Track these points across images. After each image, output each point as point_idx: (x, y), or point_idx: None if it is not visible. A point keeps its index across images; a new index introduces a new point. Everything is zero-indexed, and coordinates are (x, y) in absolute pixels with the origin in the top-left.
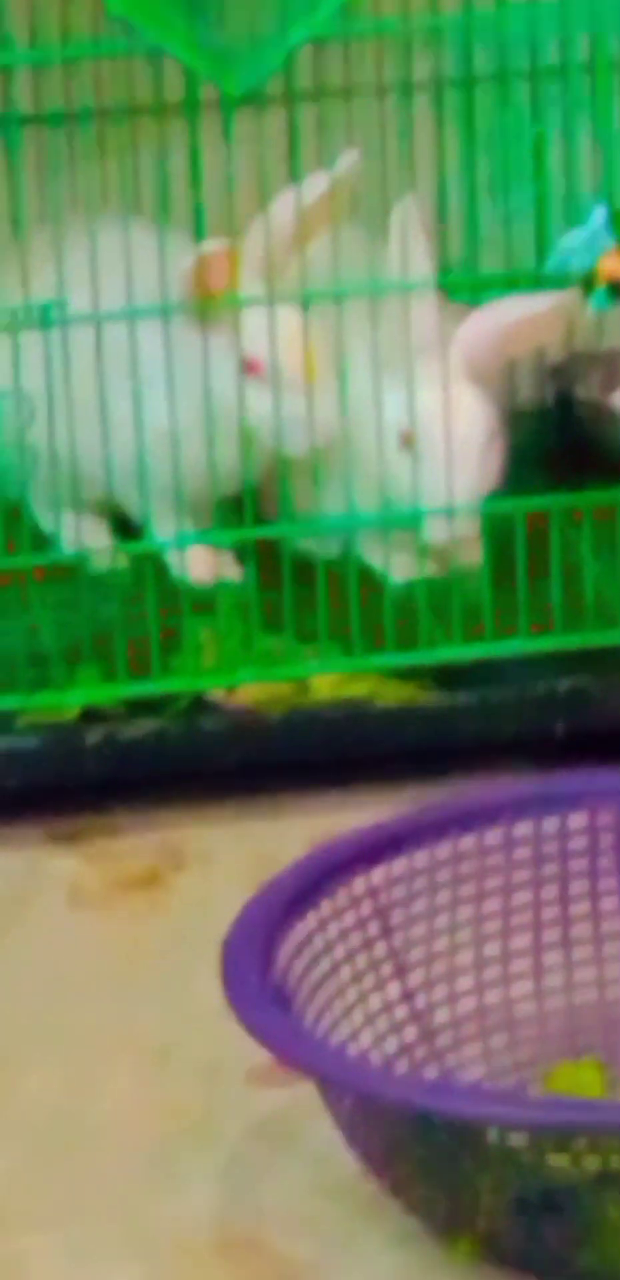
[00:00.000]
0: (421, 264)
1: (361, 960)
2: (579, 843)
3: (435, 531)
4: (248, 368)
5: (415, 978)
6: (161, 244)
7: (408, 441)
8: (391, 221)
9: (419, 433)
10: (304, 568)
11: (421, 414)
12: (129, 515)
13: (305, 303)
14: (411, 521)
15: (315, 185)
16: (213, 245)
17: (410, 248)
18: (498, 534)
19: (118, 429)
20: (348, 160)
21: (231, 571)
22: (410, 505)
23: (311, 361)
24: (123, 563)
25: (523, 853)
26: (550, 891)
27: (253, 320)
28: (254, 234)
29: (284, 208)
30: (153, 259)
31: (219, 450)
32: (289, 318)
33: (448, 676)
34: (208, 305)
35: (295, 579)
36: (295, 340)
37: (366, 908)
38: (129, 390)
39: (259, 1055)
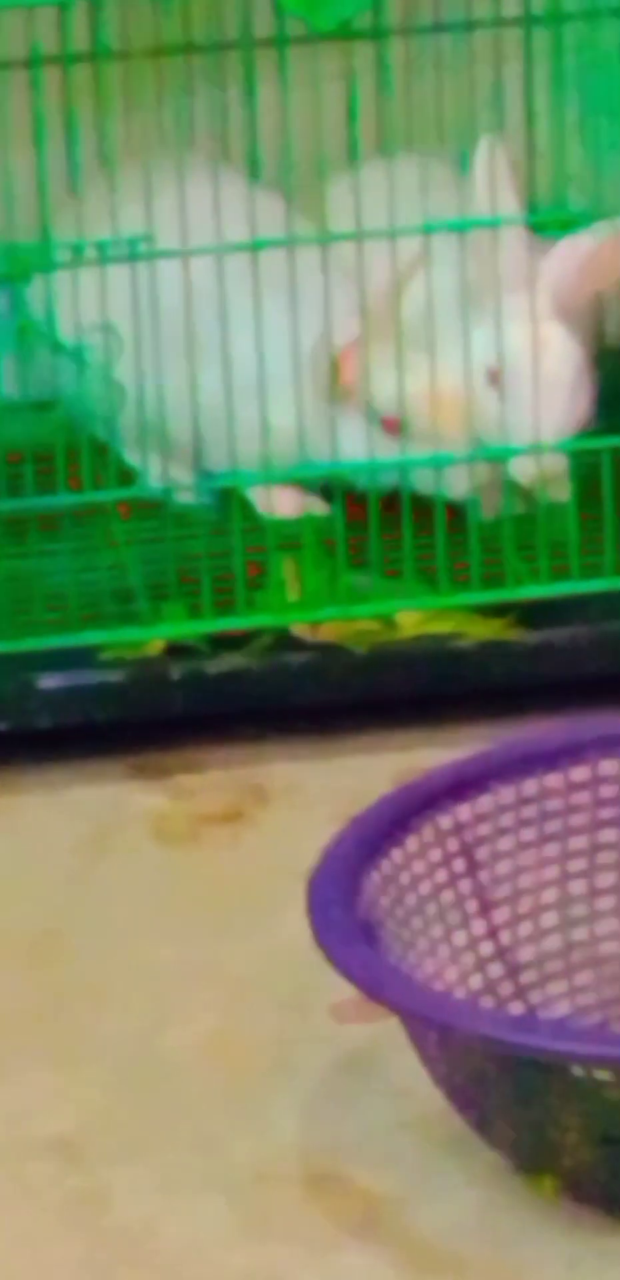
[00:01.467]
0: (508, 200)
1: (447, 897)
2: None
3: (523, 469)
4: (385, 426)
5: (500, 914)
6: (250, 191)
7: (495, 379)
8: (477, 157)
9: (507, 370)
10: (390, 503)
11: (509, 351)
12: (213, 465)
13: (393, 236)
14: (499, 457)
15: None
16: (345, 342)
17: (497, 184)
18: (584, 472)
19: (205, 369)
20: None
21: (317, 507)
22: (498, 443)
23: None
24: (207, 499)
25: (609, 790)
26: None
27: (384, 381)
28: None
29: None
30: (241, 203)
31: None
32: (420, 370)
33: (533, 614)
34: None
35: (381, 515)
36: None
37: (452, 844)
38: (216, 331)
39: (344, 990)
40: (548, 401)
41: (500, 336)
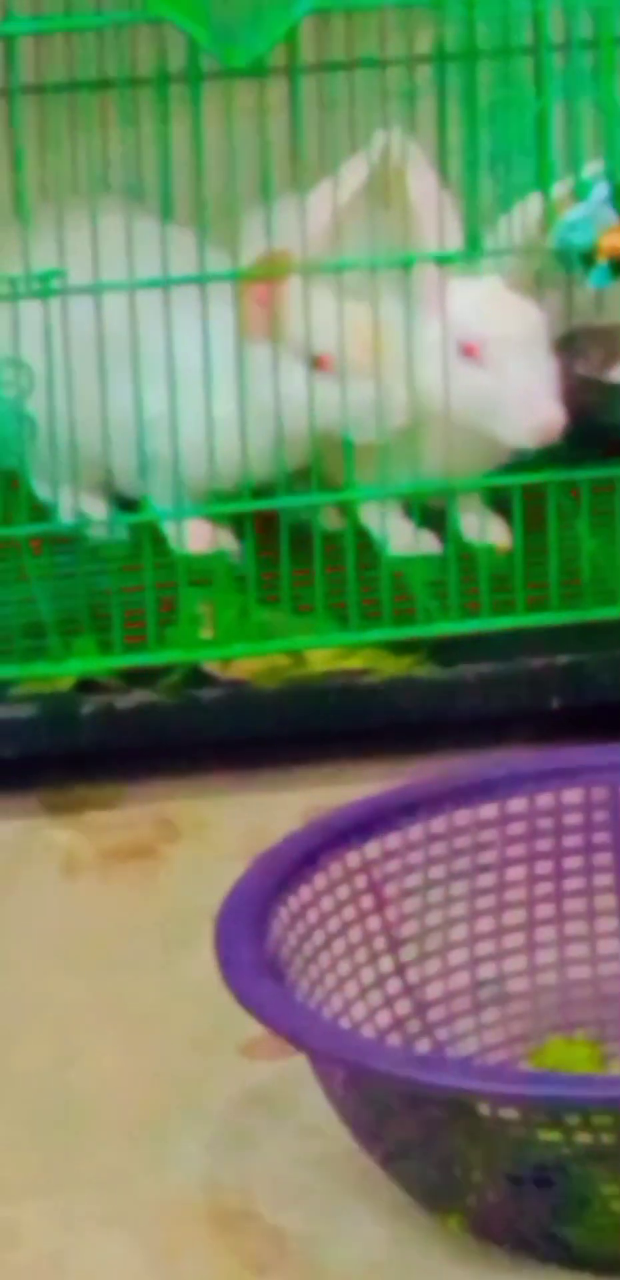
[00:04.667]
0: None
1: (355, 934)
2: (573, 818)
3: (522, 427)
4: (318, 364)
5: (409, 952)
6: (162, 224)
7: (472, 352)
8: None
9: (487, 340)
10: (301, 540)
11: (485, 321)
12: (126, 491)
13: (305, 272)
14: (410, 493)
15: (355, 172)
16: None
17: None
18: (496, 508)
19: (117, 406)
20: (381, 146)
21: (229, 543)
22: (478, 420)
23: (377, 349)
24: (120, 534)
25: (517, 828)
26: (544, 867)
27: (318, 315)
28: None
29: (322, 200)
30: (154, 239)
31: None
32: (354, 308)
33: (444, 651)
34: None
35: (292, 552)
36: (362, 330)
37: (361, 881)
38: (129, 367)
39: (251, 1027)
40: (533, 360)
41: (473, 309)
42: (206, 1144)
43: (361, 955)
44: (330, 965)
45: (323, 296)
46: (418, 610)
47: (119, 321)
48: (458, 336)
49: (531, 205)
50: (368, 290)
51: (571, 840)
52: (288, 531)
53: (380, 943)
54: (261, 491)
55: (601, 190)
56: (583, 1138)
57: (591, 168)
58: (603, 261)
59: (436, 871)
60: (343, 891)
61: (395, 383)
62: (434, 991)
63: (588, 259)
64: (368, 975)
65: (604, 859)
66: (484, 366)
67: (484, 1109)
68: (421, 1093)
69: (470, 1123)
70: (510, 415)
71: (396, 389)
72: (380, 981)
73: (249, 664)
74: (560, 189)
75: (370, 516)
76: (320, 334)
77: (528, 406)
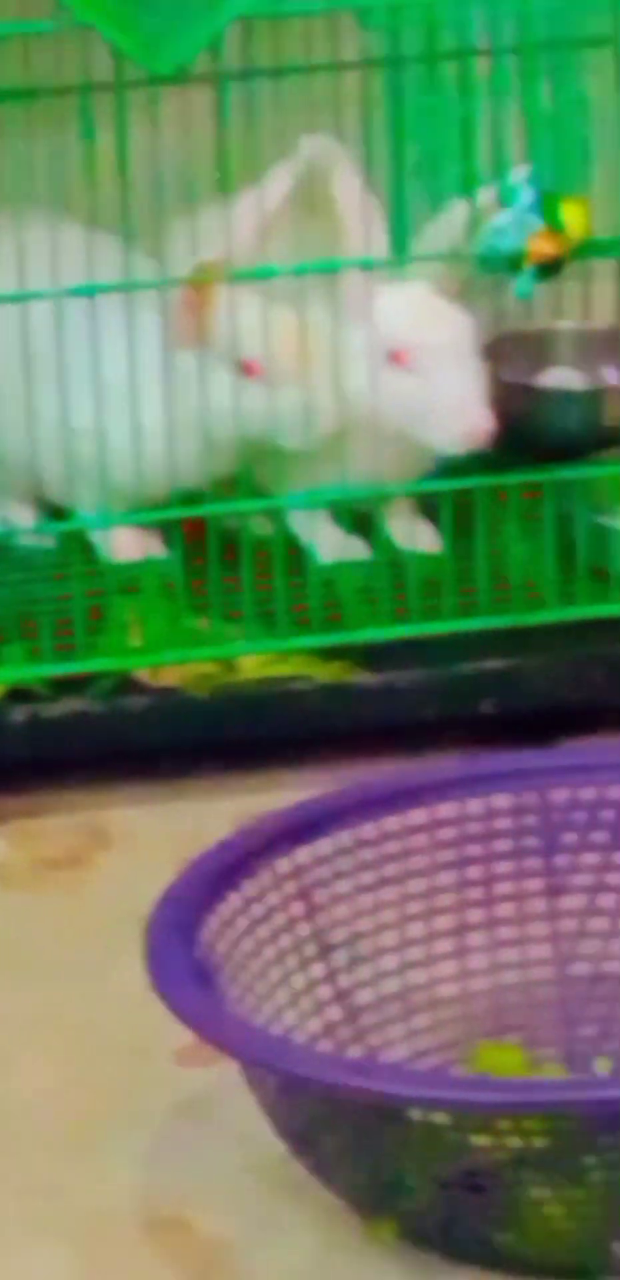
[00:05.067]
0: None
1: (285, 940)
2: (503, 823)
3: (452, 432)
4: (245, 369)
5: (339, 958)
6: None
7: (401, 359)
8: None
9: (416, 346)
10: (230, 547)
11: (412, 327)
12: (54, 499)
13: (232, 280)
14: (339, 500)
15: (279, 180)
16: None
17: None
18: (425, 514)
19: (44, 414)
20: (308, 151)
21: (157, 550)
22: (407, 426)
23: (305, 354)
24: (48, 542)
25: (447, 833)
26: (474, 872)
27: (245, 321)
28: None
29: (247, 209)
30: (80, 247)
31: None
32: (282, 314)
33: (374, 657)
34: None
35: (221, 558)
36: (289, 335)
37: (291, 887)
38: (53, 373)
39: (183, 1035)
40: (461, 366)
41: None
42: (139, 1152)
43: (292, 961)
44: (260, 972)
45: (249, 302)
46: (347, 616)
47: (45, 330)
48: (385, 343)
49: (457, 211)
50: (295, 296)
51: (502, 845)
52: (216, 539)
53: (310, 949)
54: (190, 499)
55: (527, 196)
56: (514, 1142)
57: (516, 173)
58: (529, 267)
59: (366, 877)
60: (273, 898)
61: (322, 388)
62: (364, 997)
63: (514, 264)
64: (298, 981)
65: (534, 864)
66: (412, 373)
67: (415, 1114)
68: (352, 1099)
69: (402, 1128)
70: (439, 421)
71: (323, 395)
72: (311, 987)
73: (179, 671)
74: (486, 195)
75: (299, 523)
76: (246, 339)
77: (456, 412)
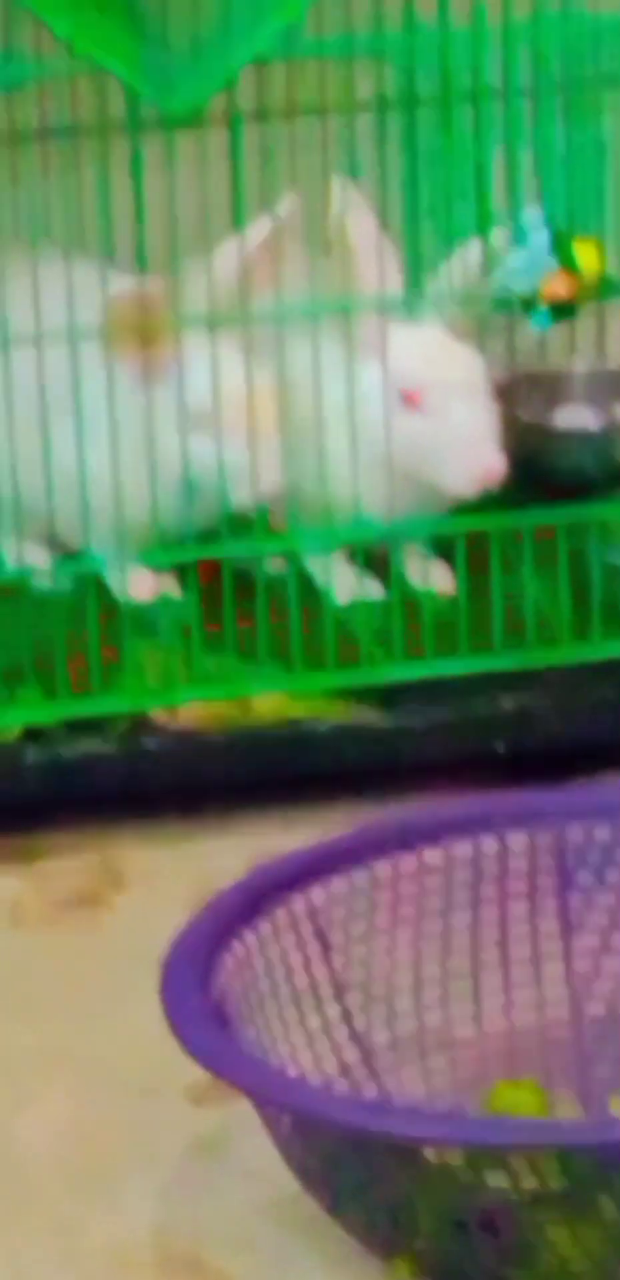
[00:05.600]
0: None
1: (301, 980)
2: (518, 863)
3: (464, 474)
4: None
5: (354, 998)
6: (103, 275)
7: (413, 401)
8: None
9: (427, 387)
10: (245, 588)
11: (424, 368)
12: (69, 543)
13: (246, 323)
14: (353, 540)
15: (258, 230)
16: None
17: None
18: (439, 554)
19: (58, 459)
20: (288, 205)
21: (172, 591)
22: (420, 468)
23: (256, 410)
24: (64, 583)
25: (462, 873)
26: (489, 912)
27: (199, 372)
28: (196, 277)
29: (227, 257)
30: (95, 289)
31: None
32: (234, 369)
33: (389, 697)
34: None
35: (236, 599)
36: (241, 391)
37: (306, 928)
38: (69, 421)
39: (197, 1074)
40: (474, 408)
41: (413, 356)
42: (154, 1191)
43: (307, 1002)
44: (276, 1012)
45: (200, 353)
46: (362, 656)
47: (59, 370)
48: (398, 384)
49: (471, 251)
50: (309, 335)
51: (517, 885)
52: (232, 579)
53: (326, 989)
54: (205, 540)
55: (542, 237)
56: (529, 1182)
57: (530, 213)
58: (543, 306)
59: (382, 918)
60: (288, 938)
61: (268, 449)
62: (380, 1038)
63: (528, 304)
64: (313, 1021)
65: (549, 904)
66: (425, 414)
67: (430, 1154)
68: (367, 1139)
69: (417, 1168)
70: (451, 463)
71: (269, 455)
72: (327, 1028)
73: (194, 712)
74: (500, 236)
75: (314, 563)
76: (199, 392)
77: (469, 454)
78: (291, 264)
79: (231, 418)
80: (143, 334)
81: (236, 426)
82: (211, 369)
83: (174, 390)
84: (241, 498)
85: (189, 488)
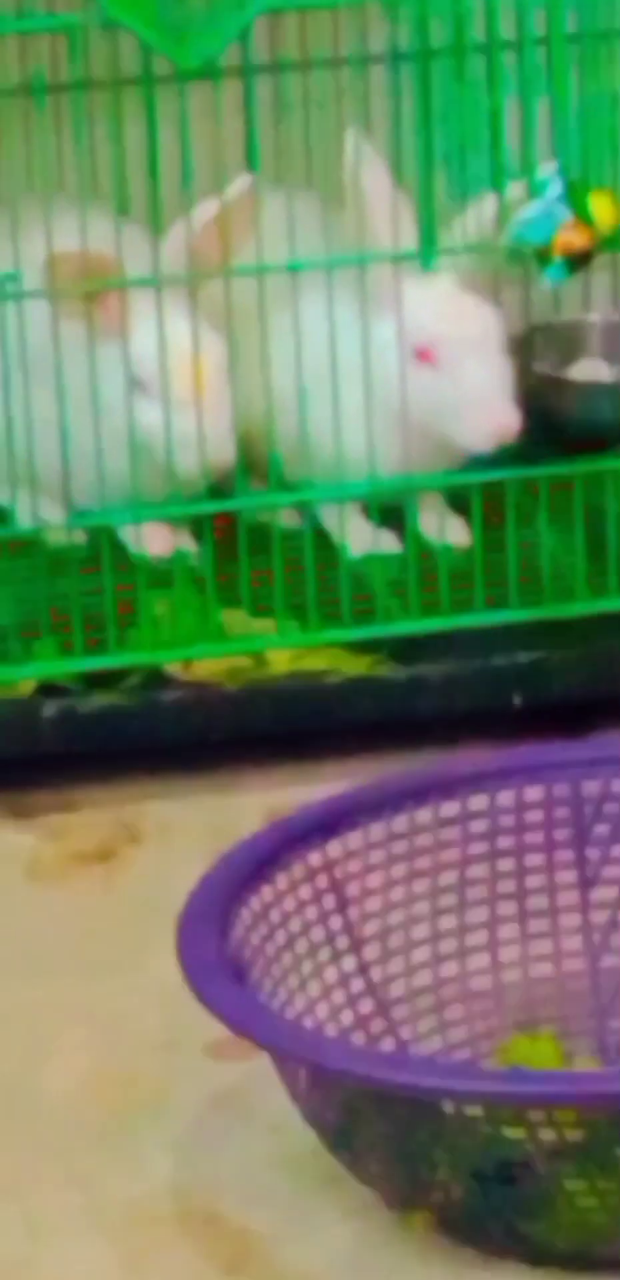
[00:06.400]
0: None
1: (317, 933)
2: (535, 816)
3: (479, 430)
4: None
5: (371, 951)
6: (117, 227)
7: (426, 356)
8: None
9: (440, 342)
10: (261, 540)
11: (436, 323)
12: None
13: (261, 273)
14: (368, 493)
15: (206, 210)
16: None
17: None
18: (455, 507)
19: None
20: (239, 186)
21: (187, 545)
22: (434, 423)
23: (201, 378)
24: (79, 537)
25: (478, 826)
26: (506, 865)
27: (143, 337)
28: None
29: (174, 239)
30: (109, 241)
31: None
32: (180, 334)
33: (405, 650)
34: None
35: (251, 553)
36: (185, 357)
37: (322, 881)
38: (85, 369)
39: (215, 1028)
40: (488, 363)
41: (427, 311)
42: (173, 1145)
43: (324, 954)
44: (293, 965)
45: (147, 319)
46: (378, 609)
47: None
48: (412, 340)
49: (486, 204)
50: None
51: (533, 838)
52: (246, 533)
53: (342, 942)
54: (219, 493)
55: (555, 187)
56: (547, 1134)
57: (545, 167)
58: (558, 258)
59: (398, 870)
60: (305, 891)
61: (217, 417)
62: (397, 990)
63: (543, 257)
64: (330, 974)
65: (566, 856)
66: (438, 370)
67: (448, 1107)
68: (385, 1091)
69: (434, 1121)
70: (465, 419)
71: (218, 424)
72: (343, 980)
73: (210, 665)
74: (515, 190)
75: (329, 517)
76: (142, 357)
77: (483, 410)
78: (305, 217)
79: (177, 383)
80: (87, 291)
81: (181, 392)
82: (158, 332)
83: (120, 352)
84: (188, 467)
85: (134, 451)
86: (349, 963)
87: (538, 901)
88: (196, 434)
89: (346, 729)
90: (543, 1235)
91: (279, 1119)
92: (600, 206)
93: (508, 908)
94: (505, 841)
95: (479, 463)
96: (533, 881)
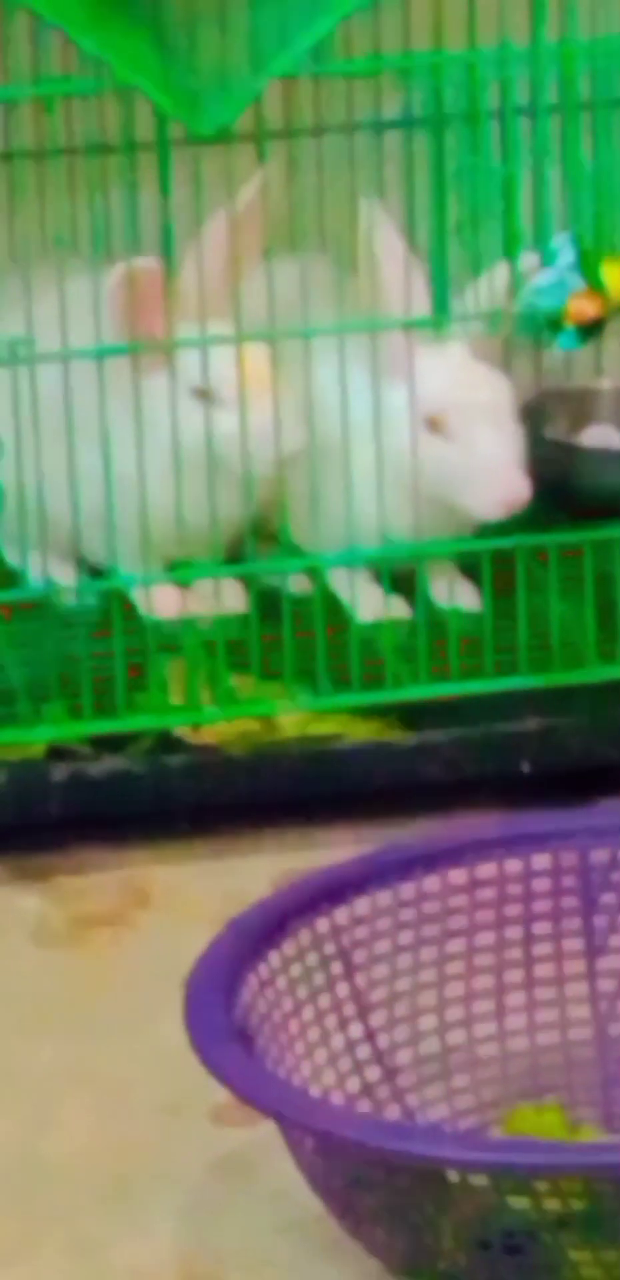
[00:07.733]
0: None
1: (324, 1000)
2: (542, 884)
3: (488, 499)
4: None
5: (378, 1018)
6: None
7: (437, 426)
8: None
9: (450, 411)
10: (271, 605)
11: (448, 392)
12: (94, 559)
13: (273, 339)
14: (379, 558)
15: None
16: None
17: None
18: (465, 573)
19: (84, 471)
20: (257, 183)
21: (198, 608)
22: (445, 492)
23: (258, 372)
24: (89, 600)
25: (486, 893)
26: (513, 932)
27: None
28: (190, 266)
29: (217, 228)
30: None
31: (187, 491)
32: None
33: (414, 715)
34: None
35: (262, 616)
36: (240, 357)
37: (330, 947)
38: (95, 433)
39: (221, 1094)
40: (499, 433)
41: (438, 380)
42: (177, 1211)
43: (331, 1021)
44: (299, 1031)
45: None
46: (387, 675)
47: (87, 387)
48: (424, 408)
49: (499, 272)
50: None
51: (540, 906)
52: (257, 596)
53: (349, 1009)
54: (230, 557)
55: (568, 255)
56: (552, 1204)
57: (558, 238)
58: (570, 326)
59: (405, 937)
60: (312, 958)
61: (286, 409)
62: (403, 1057)
63: (555, 324)
64: (337, 1041)
65: (573, 924)
66: (449, 439)
67: (453, 1176)
68: (391, 1160)
69: (440, 1190)
70: (476, 489)
71: (288, 415)
72: (349, 1048)
73: (219, 729)
74: (528, 258)
75: (339, 582)
76: (210, 365)
77: (493, 480)
78: (318, 282)
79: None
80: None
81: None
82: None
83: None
84: (263, 464)
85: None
86: (356, 1029)
87: (544, 970)
88: (272, 424)
89: (355, 794)
90: None
91: (283, 1185)
92: (612, 275)
93: (514, 975)
94: (512, 909)
95: (489, 529)
96: (540, 949)
